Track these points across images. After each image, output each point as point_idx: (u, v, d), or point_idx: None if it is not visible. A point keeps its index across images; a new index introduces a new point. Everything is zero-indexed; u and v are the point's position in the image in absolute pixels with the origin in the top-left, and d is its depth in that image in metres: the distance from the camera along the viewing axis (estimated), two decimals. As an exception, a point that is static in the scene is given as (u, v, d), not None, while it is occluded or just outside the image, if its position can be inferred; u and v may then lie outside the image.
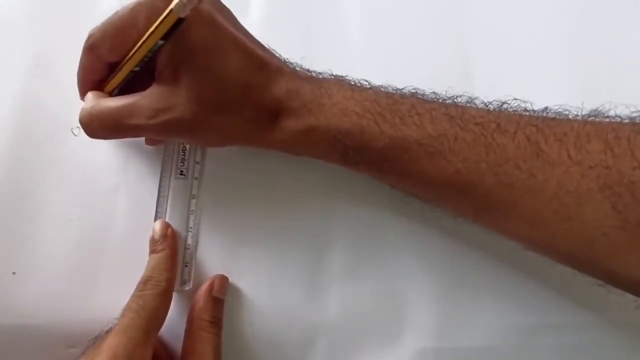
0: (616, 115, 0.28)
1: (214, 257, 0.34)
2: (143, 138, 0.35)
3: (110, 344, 0.27)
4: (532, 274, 0.33)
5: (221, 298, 0.32)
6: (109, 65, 0.31)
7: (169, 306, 0.31)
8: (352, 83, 0.31)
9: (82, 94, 0.32)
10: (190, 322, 0.31)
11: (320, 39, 0.38)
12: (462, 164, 0.27)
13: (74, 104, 0.36)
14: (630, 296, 0.27)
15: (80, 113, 0.31)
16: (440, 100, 0.30)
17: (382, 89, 0.30)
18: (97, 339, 0.30)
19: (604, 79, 0.36)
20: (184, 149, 0.35)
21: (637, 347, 0.32)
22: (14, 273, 0.33)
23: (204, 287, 0.32)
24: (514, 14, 0.38)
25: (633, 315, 0.32)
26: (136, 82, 0.31)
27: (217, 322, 0.31)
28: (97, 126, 0.30)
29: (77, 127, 0.36)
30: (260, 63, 0.30)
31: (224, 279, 0.33)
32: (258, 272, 0.34)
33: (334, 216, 0.34)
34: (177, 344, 0.32)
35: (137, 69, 0.30)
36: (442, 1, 0.39)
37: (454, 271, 0.33)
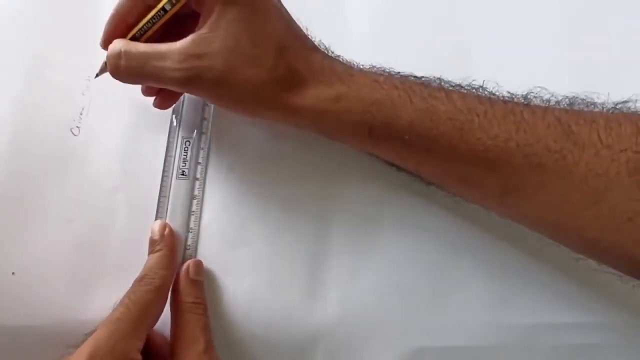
0: None
1: (214, 257, 0.34)
2: (147, 128, 0.35)
3: (95, 335, 0.27)
4: (533, 274, 0.33)
5: (199, 280, 0.33)
6: (148, 7, 0.31)
7: (163, 304, 0.31)
8: (381, 69, 0.32)
9: (106, 39, 0.32)
10: (176, 308, 0.31)
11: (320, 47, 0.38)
12: (492, 142, 0.27)
13: (74, 104, 0.36)
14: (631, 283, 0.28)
15: (109, 51, 0.31)
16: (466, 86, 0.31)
17: (410, 74, 0.31)
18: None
19: (603, 80, 0.36)
20: (185, 149, 0.35)
21: (638, 348, 0.32)
22: (13, 273, 0.33)
23: (181, 273, 0.32)
24: (514, 18, 0.39)
25: (634, 315, 0.32)
26: (168, 38, 0.31)
27: (201, 303, 0.32)
28: (123, 64, 0.30)
29: (77, 127, 0.36)
30: (299, 34, 0.31)
31: (197, 262, 0.33)
32: (258, 273, 0.34)
33: (333, 217, 0.34)
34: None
35: (169, 7, 0.30)
36: (442, 7, 0.39)
37: (453, 271, 0.33)
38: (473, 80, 0.31)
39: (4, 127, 0.35)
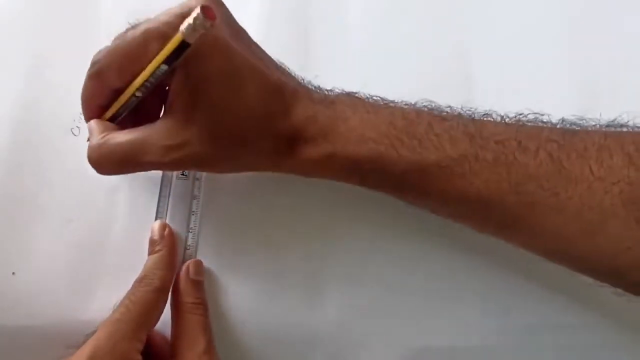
0: (635, 126, 0.28)
1: (214, 258, 0.34)
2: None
3: (95, 336, 0.27)
4: (533, 274, 0.33)
5: (200, 280, 0.33)
6: (115, 90, 0.30)
7: (163, 304, 0.31)
8: (366, 102, 0.30)
9: (87, 117, 0.31)
10: (176, 308, 0.31)
11: (320, 46, 0.38)
12: (484, 184, 0.27)
13: (74, 105, 0.36)
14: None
15: (88, 151, 0.29)
16: (457, 115, 0.29)
17: (397, 107, 0.30)
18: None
19: (603, 81, 0.36)
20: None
21: (637, 347, 0.32)
22: (13, 273, 0.33)
23: (182, 273, 0.32)
24: (514, 18, 0.39)
25: (633, 315, 0.32)
26: (146, 109, 0.30)
27: (201, 303, 0.32)
28: (107, 165, 0.29)
29: (77, 127, 0.36)
30: (277, 89, 0.29)
31: (197, 262, 0.33)
32: (259, 273, 0.34)
33: (335, 218, 0.34)
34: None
35: (139, 94, 0.29)
36: (442, 7, 0.39)
37: (453, 271, 0.33)
38: (475, 110, 0.30)
39: (4, 127, 0.35)
